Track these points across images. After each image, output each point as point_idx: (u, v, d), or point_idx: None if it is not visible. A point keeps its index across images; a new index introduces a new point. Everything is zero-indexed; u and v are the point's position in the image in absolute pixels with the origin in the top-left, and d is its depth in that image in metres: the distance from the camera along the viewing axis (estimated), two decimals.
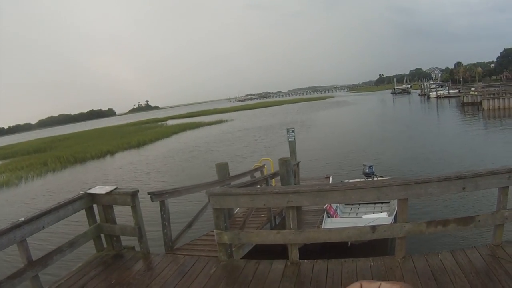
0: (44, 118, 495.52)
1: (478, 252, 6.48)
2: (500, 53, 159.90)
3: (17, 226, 6.43)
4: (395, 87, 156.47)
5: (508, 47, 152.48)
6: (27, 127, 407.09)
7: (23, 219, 6.63)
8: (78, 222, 12.17)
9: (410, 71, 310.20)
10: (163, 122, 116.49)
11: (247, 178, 13.82)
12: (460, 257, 6.39)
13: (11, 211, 23.52)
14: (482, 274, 5.77)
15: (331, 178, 19.08)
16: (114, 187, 8.34)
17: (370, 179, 16.31)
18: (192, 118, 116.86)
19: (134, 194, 8.12)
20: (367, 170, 17.35)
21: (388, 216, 12.95)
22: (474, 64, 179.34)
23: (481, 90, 70.01)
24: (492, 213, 6.64)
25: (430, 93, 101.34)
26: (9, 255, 12.36)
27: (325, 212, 13.28)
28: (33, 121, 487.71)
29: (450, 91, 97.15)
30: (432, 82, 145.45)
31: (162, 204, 9.07)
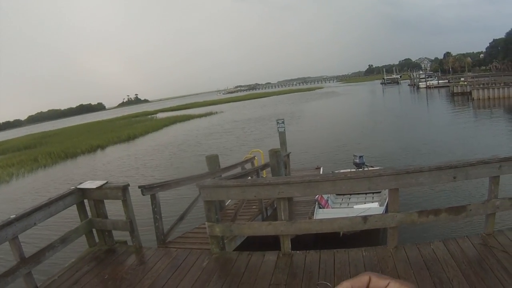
0: (33, 113, 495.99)
1: (470, 242, 6.51)
2: (490, 43, 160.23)
3: (9, 223, 6.40)
4: (385, 78, 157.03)
5: (497, 38, 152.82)
6: (17, 124, 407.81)
7: (14, 216, 6.60)
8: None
9: (400, 61, 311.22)
10: (153, 116, 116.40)
11: (238, 170, 13.78)
12: (452, 246, 6.42)
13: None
14: (474, 263, 5.80)
15: (321, 169, 19.08)
16: (104, 182, 8.32)
17: (361, 169, 16.34)
18: (182, 111, 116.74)
19: (124, 188, 8.10)
20: (357, 161, 17.37)
21: (380, 206, 12.98)
22: (463, 55, 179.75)
23: (471, 80, 70.36)
24: (483, 202, 6.68)
25: (420, 83, 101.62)
26: None
27: (316, 203, 13.27)
28: (23, 117, 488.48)
29: (439, 81, 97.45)
30: (421, 72, 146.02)
31: (153, 197, 9.04)
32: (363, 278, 0.83)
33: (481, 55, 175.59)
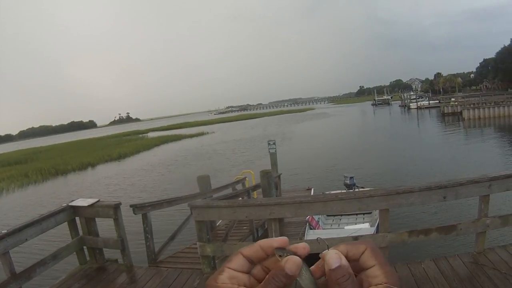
0: (25, 129, 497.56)
1: (461, 260, 6.53)
2: (480, 63, 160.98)
3: (0, 238, 6.39)
4: (376, 99, 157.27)
5: (487, 57, 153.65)
6: (7, 138, 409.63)
7: (5, 231, 6.59)
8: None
9: (390, 82, 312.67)
10: (144, 135, 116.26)
11: (229, 191, 13.85)
12: (443, 265, 6.43)
13: None
14: (465, 281, 5.82)
15: (312, 190, 19.08)
16: (96, 200, 8.32)
17: (352, 190, 16.35)
18: (173, 131, 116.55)
19: (116, 207, 8.11)
20: (348, 182, 17.37)
21: (370, 226, 12.97)
22: (454, 75, 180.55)
23: (461, 100, 70.85)
24: (474, 221, 6.72)
25: (411, 104, 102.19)
26: None
27: (307, 224, 13.28)
28: (14, 132, 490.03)
29: (430, 101, 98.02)
30: (412, 93, 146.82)
31: (145, 217, 9.04)
32: (360, 248, 0.84)
33: (472, 75, 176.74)
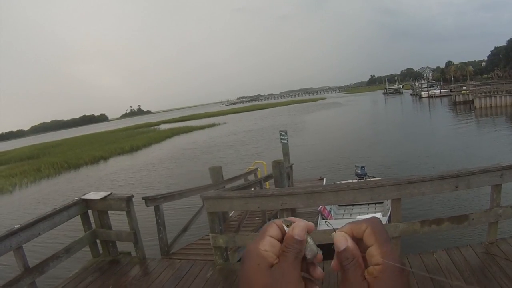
0: (36, 124, 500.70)
1: (473, 250, 6.50)
2: (491, 51, 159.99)
3: (13, 233, 6.41)
4: (387, 88, 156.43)
5: (498, 45, 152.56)
6: (20, 134, 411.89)
7: (18, 226, 6.61)
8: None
9: (402, 71, 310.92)
10: (155, 127, 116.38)
11: (241, 181, 13.80)
12: (455, 255, 6.41)
13: None
14: (477, 272, 5.79)
15: (324, 180, 19.05)
16: (108, 193, 8.34)
17: (363, 180, 16.31)
18: (185, 122, 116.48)
19: (128, 199, 8.12)
20: (359, 171, 17.38)
21: (382, 216, 12.95)
22: (465, 63, 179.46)
23: (473, 88, 70.23)
24: (486, 210, 6.67)
25: (422, 93, 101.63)
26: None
27: (319, 214, 13.28)
28: (26, 127, 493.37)
29: (441, 90, 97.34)
30: (423, 81, 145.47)
31: (157, 208, 9.04)
32: (362, 226, 0.85)
33: (483, 63, 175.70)
